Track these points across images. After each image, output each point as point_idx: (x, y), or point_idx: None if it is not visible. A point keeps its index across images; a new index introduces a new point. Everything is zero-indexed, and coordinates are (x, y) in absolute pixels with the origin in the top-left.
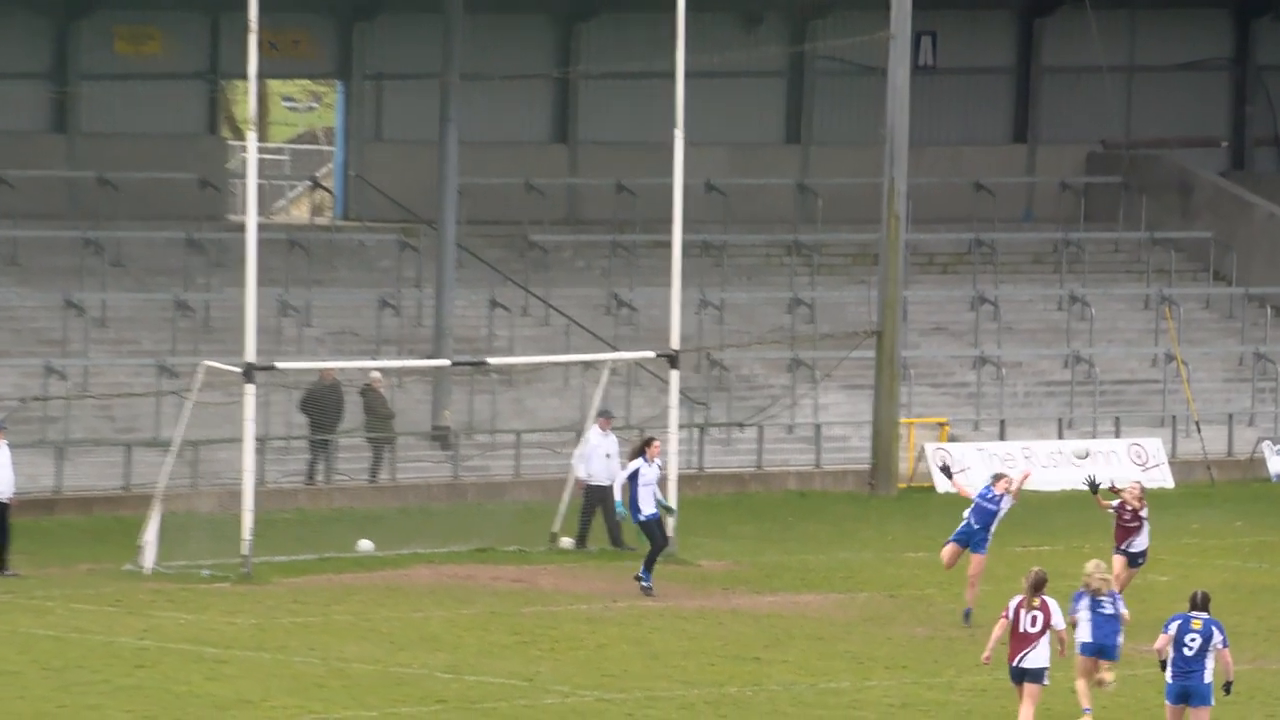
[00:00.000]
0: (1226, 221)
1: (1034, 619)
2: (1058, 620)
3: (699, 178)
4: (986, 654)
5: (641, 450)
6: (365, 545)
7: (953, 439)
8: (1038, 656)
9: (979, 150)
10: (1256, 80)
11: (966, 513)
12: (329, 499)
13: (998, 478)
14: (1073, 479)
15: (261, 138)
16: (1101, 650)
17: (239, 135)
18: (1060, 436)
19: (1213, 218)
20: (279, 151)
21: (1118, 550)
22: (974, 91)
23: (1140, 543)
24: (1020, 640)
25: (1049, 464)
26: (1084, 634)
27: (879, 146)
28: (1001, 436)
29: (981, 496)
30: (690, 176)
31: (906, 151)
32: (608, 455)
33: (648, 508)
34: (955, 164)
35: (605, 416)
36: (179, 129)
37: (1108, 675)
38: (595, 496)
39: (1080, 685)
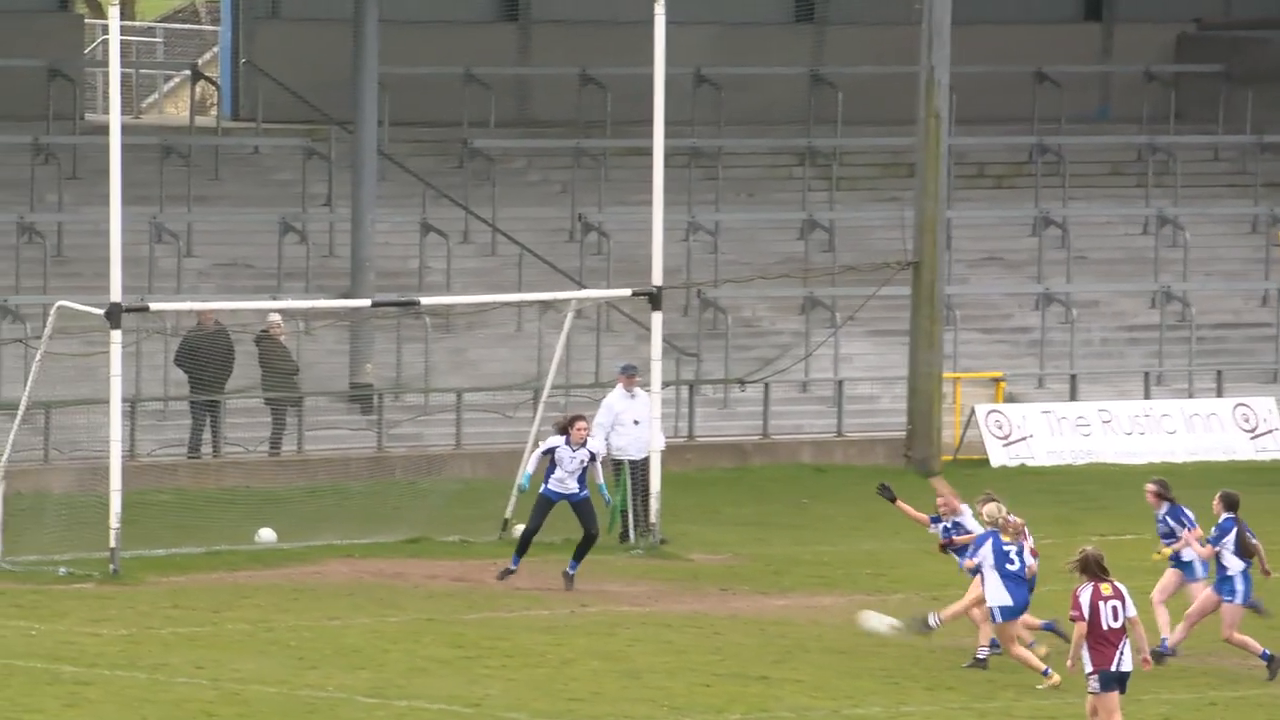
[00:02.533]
0: None
1: (1114, 610)
2: (1130, 606)
3: (685, 66)
4: (1072, 660)
5: (565, 428)
6: (265, 535)
7: (1010, 399)
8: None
9: (1041, 31)
10: None
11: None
12: (218, 476)
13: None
14: (1159, 449)
15: (126, 15)
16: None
17: (98, 12)
18: (1147, 395)
19: None
20: (150, 33)
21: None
22: None
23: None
24: (1110, 639)
25: (1133, 430)
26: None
27: (913, 26)
28: (1073, 395)
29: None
30: (673, 64)
31: (948, 32)
32: (636, 421)
33: (563, 489)
34: (1011, 48)
35: (628, 374)
36: (20, 4)
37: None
38: (632, 475)
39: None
